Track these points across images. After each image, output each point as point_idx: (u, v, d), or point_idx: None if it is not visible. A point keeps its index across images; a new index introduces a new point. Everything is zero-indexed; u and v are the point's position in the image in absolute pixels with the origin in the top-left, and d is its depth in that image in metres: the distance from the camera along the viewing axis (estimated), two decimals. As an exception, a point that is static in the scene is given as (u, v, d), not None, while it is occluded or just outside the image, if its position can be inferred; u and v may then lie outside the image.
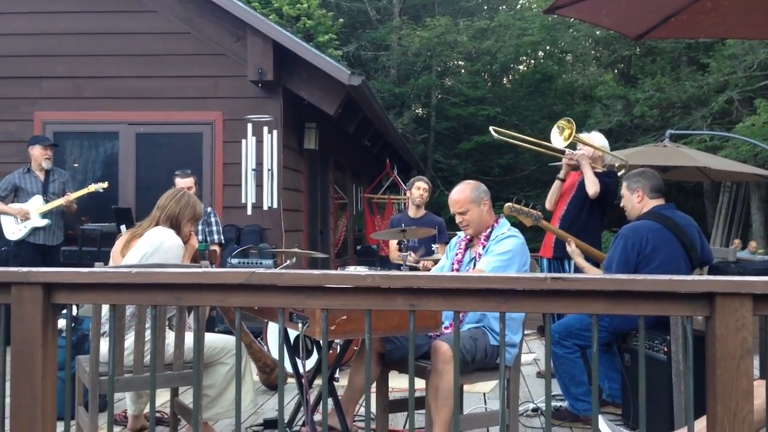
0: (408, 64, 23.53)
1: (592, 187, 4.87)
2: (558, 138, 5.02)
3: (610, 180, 5.04)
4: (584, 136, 5.23)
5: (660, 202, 4.08)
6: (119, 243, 3.82)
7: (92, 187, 6.59)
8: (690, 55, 18.26)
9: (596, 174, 4.95)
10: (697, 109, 16.45)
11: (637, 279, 1.90)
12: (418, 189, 6.35)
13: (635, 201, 4.11)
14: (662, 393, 3.61)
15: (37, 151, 6.67)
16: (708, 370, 1.89)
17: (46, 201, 6.55)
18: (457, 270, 3.72)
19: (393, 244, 6.46)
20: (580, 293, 1.95)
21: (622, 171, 5.18)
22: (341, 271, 2.49)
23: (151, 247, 3.62)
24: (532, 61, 27.51)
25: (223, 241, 6.38)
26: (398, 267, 6.17)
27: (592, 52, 23.27)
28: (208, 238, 6.08)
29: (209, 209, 6.17)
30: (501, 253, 3.53)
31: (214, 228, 6.10)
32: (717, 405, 1.83)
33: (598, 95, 19.90)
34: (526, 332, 3.97)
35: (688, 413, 1.92)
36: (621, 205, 4.28)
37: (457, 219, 3.70)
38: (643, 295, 1.91)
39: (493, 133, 5.32)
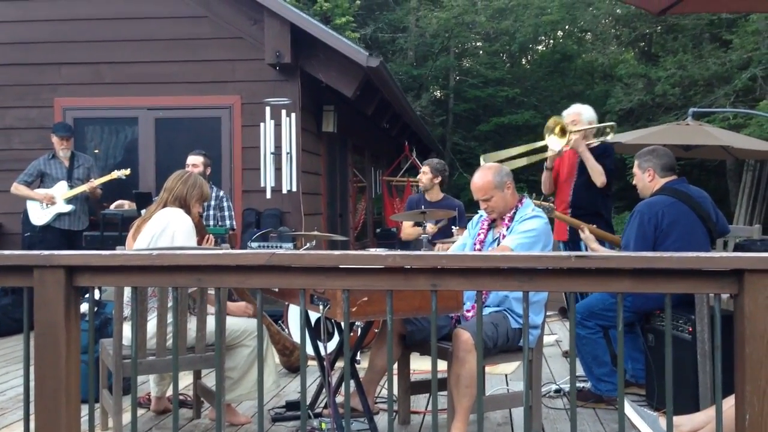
0: (426, 46, 23.33)
1: (599, 177, 4.86)
2: (554, 140, 4.92)
3: (608, 160, 4.99)
4: (569, 114, 5.12)
5: (672, 178, 4.05)
6: (131, 230, 3.84)
7: (115, 174, 6.67)
8: (712, 32, 17.92)
9: (593, 154, 4.90)
10: (720, 87, 16.17)
11: (663, 256, 1.86)
12: (423, 174, 6.35)
13: (647, 180, 4.09)
14: (687, 373, 3.57)
15: (54, 140, 6.81)
16: (736, 349, 1.85)
17: (71, 187, 6.64)
18: (479, 250, 3.69)
19: (407, 222, 6.42)
20: (605, 271, 1.92)
21: (610, 135, 5.15)
22: (362, 251, 2.48)
23: (160, 228, 3.63)
24: (551, 41, 27.20)
25: (235, 227, 6.34)
26: (416, 245, 6.13)
27: (613, 30, 22.91)
28: (220, 224, 6.05)
29: (221, 193, 6.11)
30: (526, 230, 3.50)
31: (227, 213, 6.04)
32: (746, 384, 1.80)
33: (619, 74, 19.62)
34: (547, 314, 3.95)
35: (716, 392, 1.89)
36: (633, 183, 4.25)
37: (482, 206, 3.69)
38: (669, 273, 1.88)
39: (482, 160, 5.26)
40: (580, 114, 5.07)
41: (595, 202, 4.96)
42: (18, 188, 6.67)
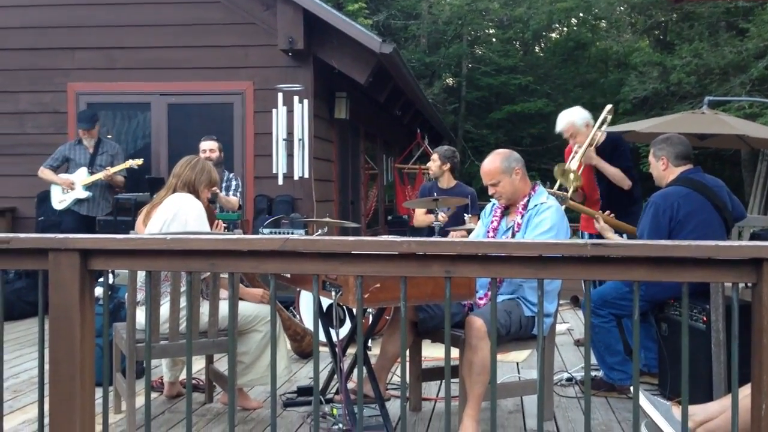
0: (438, 33, 23.20)
1: (623, 182, 4.85)
2: (568, 179, 4.85)
3: (622, 157, 4.93)
4: (563, 129, 4.99)
5: (686, 167, 4.00)
6: (140, 216, 3.84)
7: (128, 163, 6.73)
8: (729, 20, 17.73)
9: (604, 157, 4.84)
10: (736, 76, 16.01)
11: (681, 245, 1.84)
12: (432, 161, 6.35)
13: (660, 169, 4.06)
14: (701, 363, 3.55)
15: (79, 131, 6.87)
16: (754, 339, 1.84)
17: (91, 173, 6.68)
18: (493, 238, 3.67)
19: (419, 209, 6.41)
20: (622, 260, 1.91)
21: (608, 118, 5.05)
22: (376, 238, 2.47)
23: (171, 213, 3.63)
24: (565, 29, 26.97)
25: (241, 203, 6.28)
26: (428, 233, 6.12)
27: (628, 18, 22.69)
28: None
29: (231, 175, 6.12)
30: (544, 231, 3.45)
31: (233, 185, 6.03)
32: (763, 374, 1.79)
33: (634, 62, 19.44)
34: (559, 302, 3.93)
35: (733, 382, 1.87)
36: (649, 171, 4.21)
37: (490, 191, 3.66)
38: (687, 262, 1.86)
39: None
40: (573, 123, 4.97)
41: (624, 199, 4.91)
42: (44, 172, 6.77)
